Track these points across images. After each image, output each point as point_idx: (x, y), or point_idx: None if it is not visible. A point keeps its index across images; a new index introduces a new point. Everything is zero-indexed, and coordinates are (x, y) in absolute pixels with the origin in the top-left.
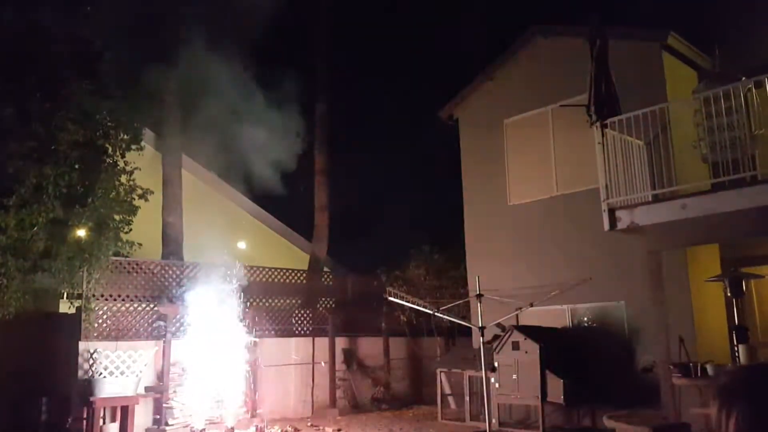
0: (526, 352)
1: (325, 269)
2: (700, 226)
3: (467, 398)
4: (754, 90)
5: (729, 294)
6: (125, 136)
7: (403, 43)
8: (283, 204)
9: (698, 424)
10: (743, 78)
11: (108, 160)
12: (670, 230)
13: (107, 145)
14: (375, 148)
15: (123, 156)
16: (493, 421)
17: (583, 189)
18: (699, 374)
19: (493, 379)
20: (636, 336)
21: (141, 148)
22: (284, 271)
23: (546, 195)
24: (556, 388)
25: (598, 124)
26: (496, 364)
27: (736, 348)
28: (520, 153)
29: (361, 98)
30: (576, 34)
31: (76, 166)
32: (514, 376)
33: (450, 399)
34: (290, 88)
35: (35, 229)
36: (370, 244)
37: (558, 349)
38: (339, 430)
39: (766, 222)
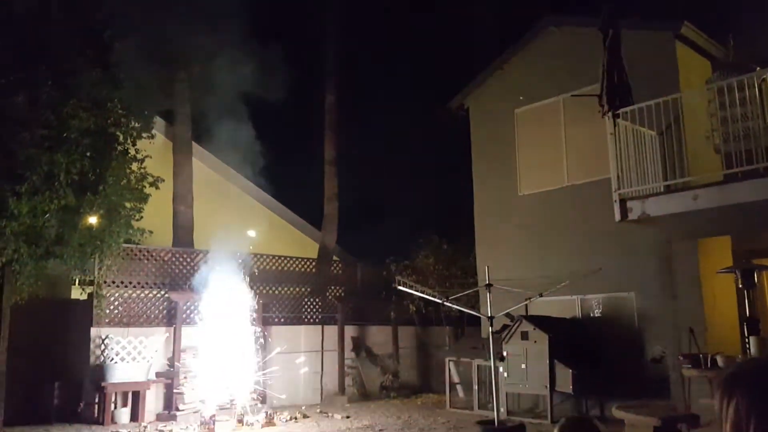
0: (535, 342)
1: (335, 258)
2: (711, 218)
3: (475, 387)
4: None
5: (740, 286)
6: (136, 124)
7: (415, 33)
8: (294, 193)
9: (707, 415)
10: (758, 68)
11: (119, 147)
12: (682, 221)
13: (118, 133)
14: (385, 138)
15: (134, 144)
16: (501, 410)
17: (594, 179)
18: (709, 365)
19: (501, 369)
20: (646, 327)
21: (152, 136)
22: (294, 259)
23: (557, 185)
24: (565, 378)
25: (610, 114)
26: (504, 354)
27: (747, 340)
28: (531, 143)
29: (371, 88)
30: (589, 24)
31: (88, 154)
32: (523, 366)
33: (458, 388)
34: (300, 78)
35: (47, 216)
36: (379, 234)
37: (567, 339)
38: (348, 417)
39: None
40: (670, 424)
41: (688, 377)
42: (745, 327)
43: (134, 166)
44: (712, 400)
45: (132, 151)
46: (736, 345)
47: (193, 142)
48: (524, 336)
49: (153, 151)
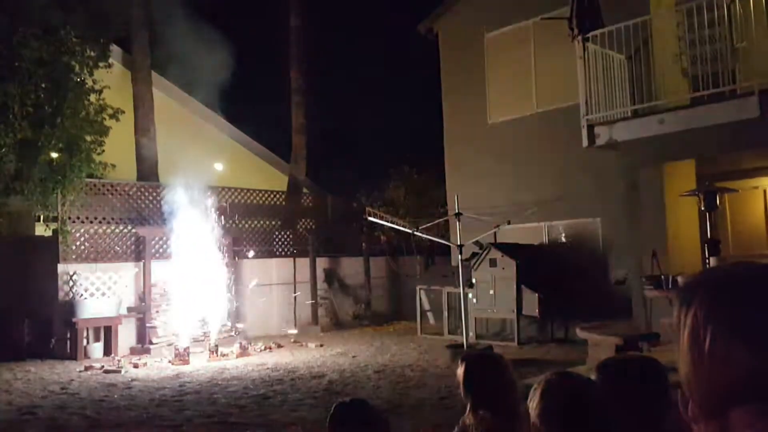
0: (503, 269)
1: (305, 191)
2: (677, 141)
3: (445, 313)
4: (737, 1)
5: (703, 208)
6: (92, 53)
7: None
8: (261, 124)
9: (668, 333)
10: None
11: (75, 78)
12: (648, 146)
13: (74, 63)
14: (353, 66)
15: (91, 74)
16: (471, 334)
17: (563, 106)
18: (670, 286)
19: (470, 295)
20: (610, 251)
21: (109, 66)
22: (263, 192)
23: (526, 113)
24: (532, 302)
25: (579, 37)
26: (473, 281)
27: (707, 261)
28: (501, 69)
29: (337, 13)
30: None
31: (42, 85)
32: (491, 292)
33: (429, 315)
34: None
35: (4, 150)
36: (350, 165)
37: (534, 265)
38: (321, 345)
39: (743, 136)
40: (632, 342)
41: (650, 298)
42: (706, 248)
43: (92, 97)
44: (672, 319)
45: (89, 82)
46: (697, 266)
47: (153, 72)
48: (493, 263)
49: (111, 81)
